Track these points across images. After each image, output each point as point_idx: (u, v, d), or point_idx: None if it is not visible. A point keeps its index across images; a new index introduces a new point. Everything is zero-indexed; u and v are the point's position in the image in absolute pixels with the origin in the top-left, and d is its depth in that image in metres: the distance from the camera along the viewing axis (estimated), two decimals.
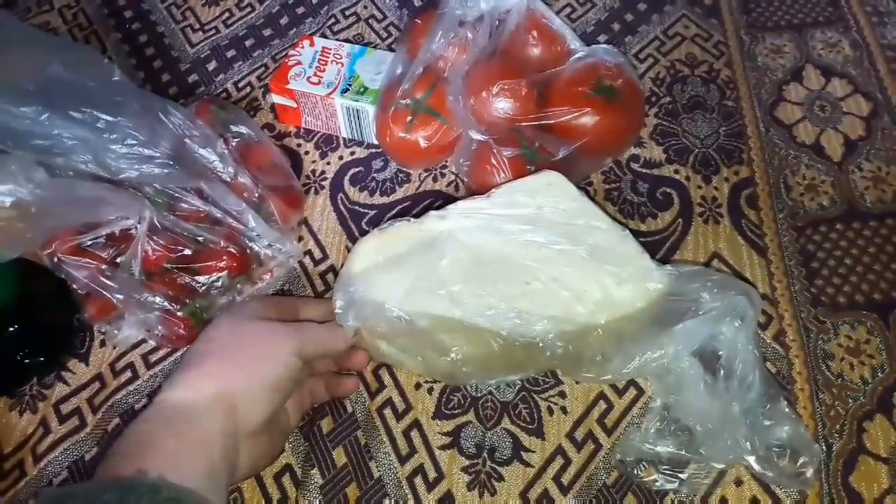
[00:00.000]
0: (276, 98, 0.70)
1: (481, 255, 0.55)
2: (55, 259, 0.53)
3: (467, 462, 0.53)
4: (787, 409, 0.52)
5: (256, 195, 0.58)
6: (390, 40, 0.79)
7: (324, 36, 0.79)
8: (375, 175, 0.69)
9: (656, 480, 0.51)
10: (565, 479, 0.52)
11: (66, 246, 0.53)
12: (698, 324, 0.51)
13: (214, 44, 0.80)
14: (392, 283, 0.54)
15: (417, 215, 0.58)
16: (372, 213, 0.66)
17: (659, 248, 0.62)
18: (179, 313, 0.55)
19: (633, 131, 0.67)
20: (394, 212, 0.66)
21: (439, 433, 0.54)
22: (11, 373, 0.57)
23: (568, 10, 0.80)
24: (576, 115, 0.61)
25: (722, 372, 0.51)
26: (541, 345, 0.52)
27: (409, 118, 0.64)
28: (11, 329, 0.55)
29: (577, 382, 0.56)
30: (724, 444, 0.49)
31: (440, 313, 0.53)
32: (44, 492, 0.52)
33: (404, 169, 0.69)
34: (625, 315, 0.53)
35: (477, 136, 0.62)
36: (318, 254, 0.64)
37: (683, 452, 0.51)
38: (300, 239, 0.65)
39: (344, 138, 0.71)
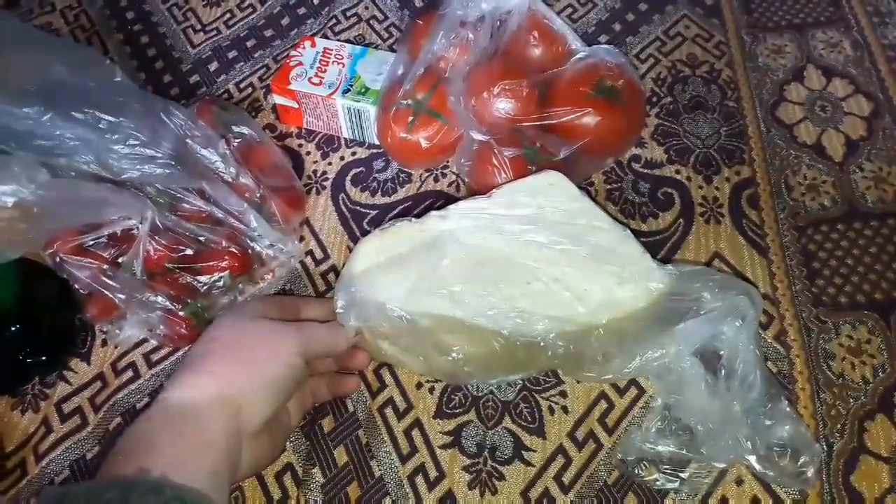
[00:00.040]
0: (277, 99, 0.70)
1: (482, 255, 0.55)
2: (57, 259, 0.53)
3: (468, 461, 0.53)
4: (788, 409, 0.52)
5: (258, 195, 0.58)
6: (391, 41, 0.79)
7: (325, 37, 0.79)
8: (377, 175, 0.69)
9: (657, 480, 0.51)
10: (566, 479, 0.52)
11: (67, 246, 0.53)
12: (699, 323, 0.51)
13: (216, 44, 0.80)
14: (393, 283, 0.54)
15: (419, 215, 0.58)
16: (373, 213, 0.66)
17: (660, 248, 0.62)
18: (181, 313, 0.56)
19: (634, 132, 0.67)
20: (395, 212, 0.66)
21: (440, 432, 0.55)
22: (13, 372, 0.57)
23: (569, 10, 0.80)
24: (577, 116, 0.61)
25: (723, 371, 0.51)
26: (542, 344, 0.52)
27: (410, 119, 0.64)
28: (13, 329, 0.55)
29: (578, 382, 0.56)
30: (725, 443, 0.49)
31: (441, 313, 0.53)
32: (46, 491, 0.52)
33: (405, 169, 0.69)
34: (626, 315, 0.53)
35: (478, 137, 0.62)
36: (319, 254, 0.64)
37: (684, 452, 0.51)
38: (301, 239, 0.65)
39: (345, 139, 0.72)
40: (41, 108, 0.47)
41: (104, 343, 0.60)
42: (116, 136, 0.49)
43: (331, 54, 0.70)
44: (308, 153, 0.71)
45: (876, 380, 0.55)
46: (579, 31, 0.77)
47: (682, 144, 0.69)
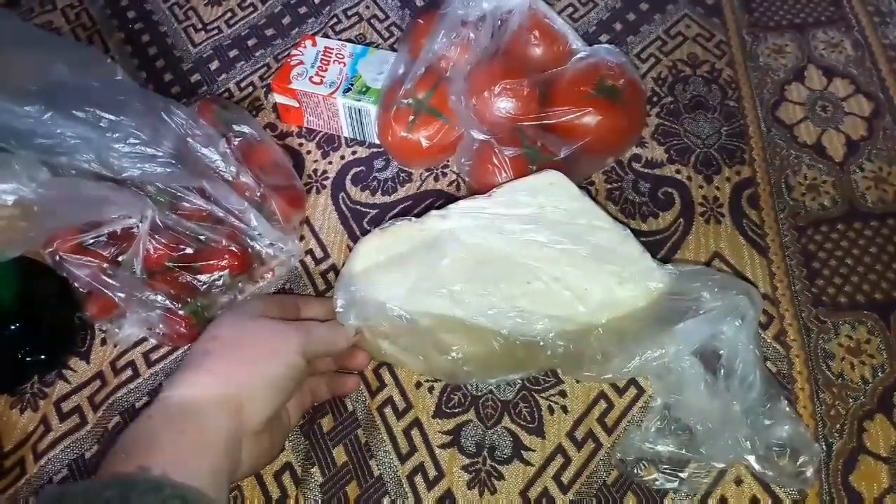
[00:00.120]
0: (278, 98, 0.70)
1: (482, 255, 0.55)
2: (57, 258, 0.53)
3: (467, 461, 0.53)
4: (787, 409, 0.52)
5: (258, 194, 0.58)
6: (392, 40, 0.79)
7: (326, 36, 0.79)
8: (377, 174, 0.69)
9: (656, 479, 0.51)
10: (565, 478, 0.52)
11: (67, 244, 0.53)
12: (699, 323, 0.51)
13: (217, 43, 0.80)
14: (393, 282, 0.54)
15: (419, 215, 0.58)
16: (373, 212, 0.66)
17: (660, 248, 0.62)
18: (181, 312, 0.56)
19: (634, 131, 0.67)
20: (395, 211, 0.66)
21: (440, 432, 0.55)
22: (12, 371, 0.57)
23: (570, 9, 0.80)
24: (578, 115, 0.61)
25: (722, 371, 0.51)
26: (542, 344, 0.52)
27: (410, 118, 0.64)
28: (13, 327, 0.55)
29: (577, 381, 0.56)
30: (724, 443, 0.49)
31: (441, 312, 0.53)
32: (45, 490, 0.52)
33: (406, 168, 0.69)
34: (626, 314, 0.53)
35: (479, 136, 0.62)
36: (319, 253, 0.64)
37: (684, 452, 0.51)
38: (301, 238, 0.65)
39: (346, 138, 0.72)
40: (42, 107, 0.47)
41: (103, 342, 0.60)
42: (117, 135, 0.49)
43: (332, 53, 0.70)
44: (308, 152, 0.71)
45: (875, 380, 0.55)
46: (580, 31, 0.77)
47: (682, 144, 0.69)
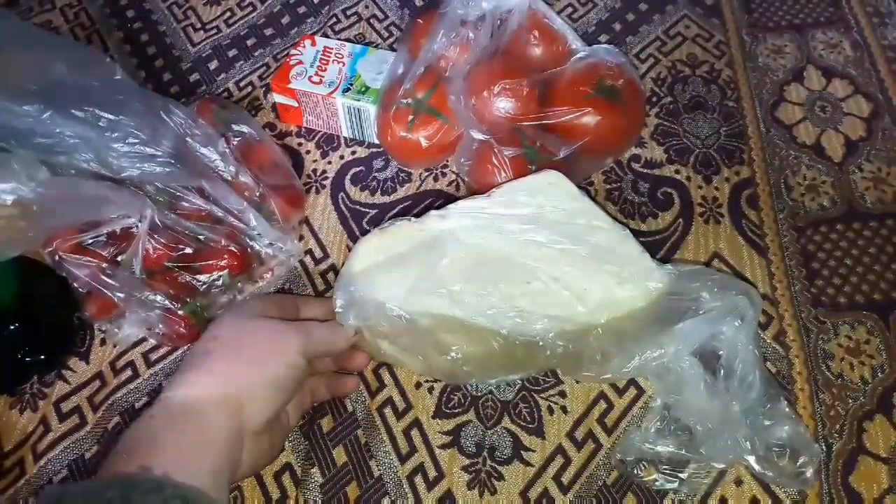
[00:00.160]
0: (277, 97, 0.70)
1: (482, 255, 0.55)
2: (56, 257, 0.53)
3: (467, 461, 0.53)
4: (787, 409, 0.52)
5: (257, 194, 0.58)
6: (391, 40, 0.79)
7: (325, 35, 0.79)
8: (376, 174, 0.69)
9: (656, 480, 0.51)
10: (565, 479, 0.52)
11: (67, 244, 0.53)
12: (699, 323, 0.51)
13: (216, 43, 0.80)
14: (393, 282, 0.54)
15: (418, 215, 0.58)
16: (373, 212, 0.66)
17: (659, 248, 0.62)
18: (180, 312, 0.55)
19: (634, 131, 0.67)
20: (394, 211, 0.66)
21: (439, 432, 0.54)
22: (12, 371, 0.57)
23: (569, 9, 0.80)
24: (577, 115, 0.61)
25: (722, 371, 0.51)
26: (541, 344, 0.52)
27: (410, 118, 0.64)
28: (12, 327, 0.55)
29: (577, 382, 0.56)
30: (724, 443, 0.49)
31: (441, 312, 0.53)
32: (45, 490, 0.52)
33: (405, 168, 0.69)
34: (625, 314, 0.53)
35: (478, 136, 0.62)
36: (318, 253, 0.64)
37: (683, 452, 0.51)
38: (301, 238, 0.65)
39: (345, 138, 0.72)
40: (41, 106, 0.47)
41: (103, 342, 0.60)
42: (116, 135, 0.49)
43: (331, 53, 0.70)
44: (308, 152, 0.71)
45: (875, 380, 0.55)
46: (579, 31, 0.77)
47: (681, 144, 0.69)
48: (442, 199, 0.66)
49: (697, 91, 0.73)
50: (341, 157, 0.70)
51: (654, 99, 0.72)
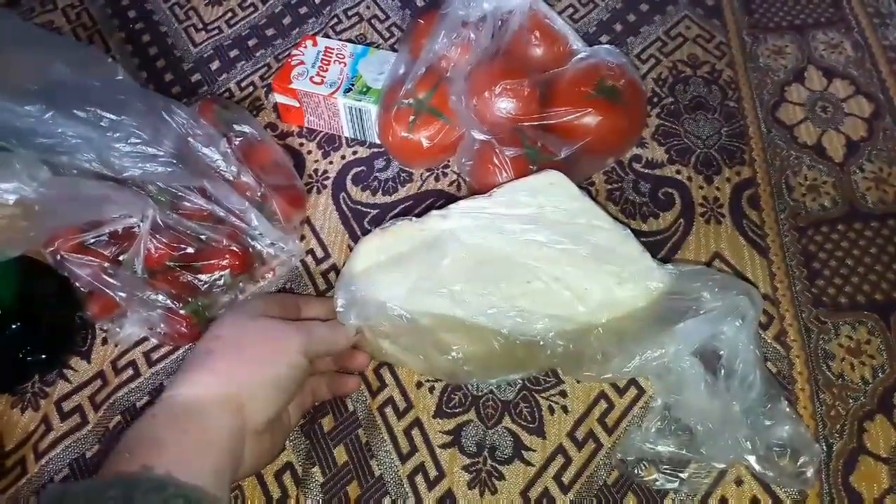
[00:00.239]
0: (278, 98, 0.70)
1: (483, 255, 0.55)
2: (58, 257, 0.53)
3: (468, 461, 0.53)
4: (787, 409, 0.52)
5: (259, 194, 0.59)
6: (393, 40, 0.79)
7: (326, 36, 0.79)
8: (378, 174, 0.69)
9: (657, 480, 0.51)
10: (566, 478, 0.52)
11: (68, 244, 0.53)
12: (699, 323, 0.51)
13: (217, 43, 0.80)
14: (394, 282, 0.54)
15: (419, 215, 0.58)
16: (374, 212, 0.66)
17: (660, 248, 0.62)
18: (182, 311, 0.56)
19: (635, 132, 0.68)
20: (396, 211, 0.66)
21: (440, 432, 0.55)
22: (13, 370, 0.57)
23: (570, 10, 0.80)
24: (578, 116, 0.61)
25: (723, 371, 0.51)
26: (542, 343, 0.52)
27: (411, 118, 0.64)
28: (14, 327, 0.55)
29: (577, 382, 0.56)
30: (724, 443, 0.49)
31: (441, 312, 0.53)
32: (47, 489, 0.52)
33: (406, 168, 0.69)
34: (626, 314, 0.53)
35: (479, 136, 0.62)
36: (320, 253, 0.64)
37: (684, 452, 0.51)
38: (302, 238, 0.65)
39: (346, 138, 0.72)
40: (43, 107, 0.47)
41: (104, 341, 0.60)
42: (118, 135, 0.49)
43: (332, 53, 0.70)
44: (309, 152, 0.71)
45: (875, 380, 0.55)
46: (580, 32, 0.77)
47: (682, 145, 0.69)
48: (443, 199, 0.66)
49: (698, 91, 0.73)
50: (342, 158, 0.70)
51: (655, 99, 0.72)
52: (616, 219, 0.57)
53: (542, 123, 0.61)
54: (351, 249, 0.60)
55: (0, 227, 0.47)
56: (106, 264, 0.54)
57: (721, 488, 0.51)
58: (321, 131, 0.72)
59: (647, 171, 0.67)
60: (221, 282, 0.57)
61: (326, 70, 0.69)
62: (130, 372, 0.58)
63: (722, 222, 0.64)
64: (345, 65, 0.69)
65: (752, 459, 0.50)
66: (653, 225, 0.64)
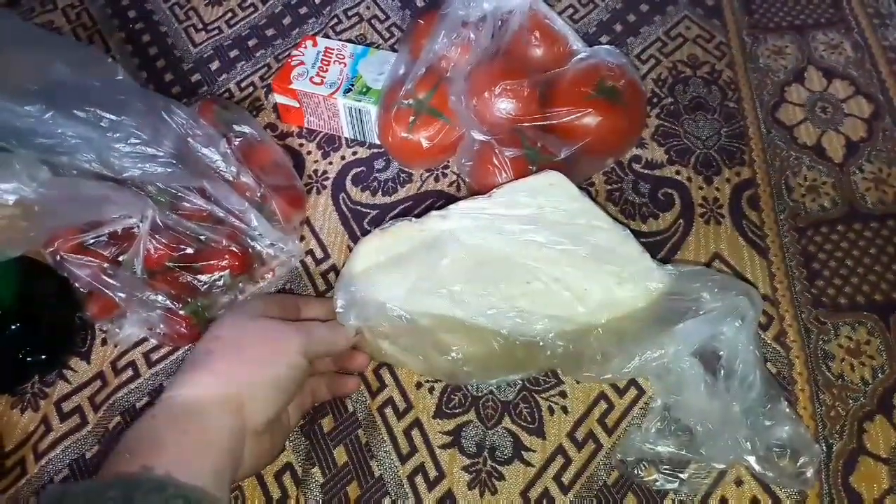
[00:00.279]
0: (278, 98, 0.70)
1: (482, 255, 0.55)
2: (57, 257, 0.53)
3: (468, 461, 0.53)
4: (787, 410, 0.52)
5: (259, 194, 0.59)
6: (393, 41, 0.79)
7: (326, 36, 0.79)
8: (377, 175, 0.69)
9: (657, 480, 0.51)
10: (566, 479, 0.52)
11: (68, 244, 0.53)
12: (699, 324, 0.51)
13: (217, 44, 0.80)
14: (393, 282, 0.54)
15: (419, 215, 0.58)
16: (374, 212, 0.66)
17: (660, 249, 0.62)
18: (181, 312, 0.56)
19: (634, 132, 0.68)
20: (395, 212, 0.66)
21: (440, 432, 0.55)
22: (13, 371, 0.57)
23: (570, 10, 0.80)
24: (578, 116, 0.61)
25: (722, 372, 0.51)
26: (541, 344, 0.52)
27: (411, 118, 0.64)
28: (13, 327, 0.55)
29: (577, 382, 0.56)
30: (724, 444, 0.49)
31: (441, 313, 0.53)
32: (46, 489, 0.52)
33: (406, 169, 0.69)
34: (625, 314, 0.54)
35: (479, 137, 0.62)
36: (319, 253, 0.64)
37: (684, 452, 0.51)
38: (302, 238, 0.65)
39: (346, 138, 0.72)
40: (42, 107, 0.47)
41: (104, 342, 0.60)
42: (118, 135, 0.49)
43: (332, 54, 0.70)
44: (309, 152, 0.71)
45: (875, 381, 0.55)
46: (580, 32, 0.77)
47: (682, 145, 0.69)
48: (443, 200, 0.66)
49: (698, 92, 0.73)
50: (342, 158, 0.70)
51: (655, 100, 0.72)
52: (616, 219, 0.57)
53: (541, 124, 0.61)
54: (350, 250, 0.60)
55: (0, 228, 0.47)
56: (105, 265, 0.54)
57: (721, 489, 0.51)
58: (321, 132, 0.72)
59: (646, 171, 0.67)
60: (221, 282, 0.57)
61: (326, 70, 0.69)
62: (130, 372, 0.58)
63: (721, 223, 0.64)
64: (345, 65, 0.69)
65: (751, 460, 0.50)
66: (652, 225, 0.64)
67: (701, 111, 0.71)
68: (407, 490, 0.52)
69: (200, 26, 0.82)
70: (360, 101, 0.66)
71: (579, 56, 0.64)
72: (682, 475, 0.51)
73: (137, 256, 0.54)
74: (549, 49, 0.65)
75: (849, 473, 0.51)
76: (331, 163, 0.70)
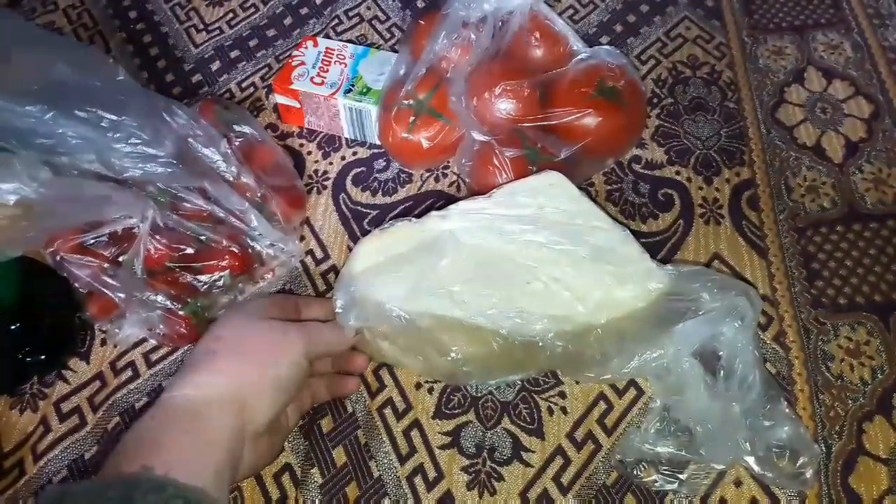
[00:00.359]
0: (279, 98, 0.70)
1: (482, 256, 0.55)
2: (58, 257, 0.53)
3: (467, 462, 0.53)
4: (786, 410, 0.52)
5: (259, 195, 0.59)
6: (393, 41, 0.79)
7: (327, 37, 0.79)
8: (377, 175, 0.69)
9: (656, 481, 0.51)
10: (565, 479, 0.52)
11: (68, 244, 0.53)
12: (698, 324, 0.51)
13: (218, 44, 0.80)
14: (393, 282, 0.54)
15: (419, 216, 0.58)
16: (374, 213, 0.66)
17: (660, 249, 0.62)
18: (181, 312, 0.56)
19: (634, 132, 0.68)
20: (395, 212, 0.66)
21: (439, 433, 0.55)
22: (12, 371, 0.57)
23: (570, 11, 0.80)
24: (578, 117, 0.61)
25: (722, 372, 0.51)
26: (541, 344, 0.52)
27: (411, 119, 0.64)
28: (13, 327, 0.55)
29: (577, 383, 0.56)
30: (723, 444, 0.49)
31: (441, 313, 0.53)
32: (46, 489, 0.52)
33: (406, 169, 0.69)
34: (625, 315, 0.54)
35: (479, 137, 0.62)
36: (319, 253, 0.64)
37: (683, 453, 0.51)
38: (302, 238, 0.65)
39: (346, 139, 0.72)
40: (43, 107, 0.47)
41: (103, 342, 0.60)
42: (118, 135, 0.49)
43: (333, 54, 0.70)
44: (309, 153, 0.71)
45: (875, 381, 0.55)
46: (580, 33, 0.77)
47: (682, 145, 0.69)
48: (443, 200, 0.67)
49: (698, 92, 0.73)
50: (342, 158, 0.70)
51: (655, 100, 0.72)
52: (615, 220, 0.57)
53: (542, 124, 0.61)
54: (350, 250, 0.60)
55: (0, 228, 0.47)
56: (105, 265, 0.54)
57: (720, 489, 0.51)
58: (321, 132, 0.72)
59: (646, 171, 0.67)
60: (221, 283, 0.57)
61: (327, 71, 0.69)
62: (129, 373, 0.58)
63: (721, 223, 0.64)
64: (345, 65, 0.69)
65: (751, 460, 0.50)
66: (652, 226, 0.64)
67: (701, 112, 0.71)
68: (406, 491, 0.52)
69: (201, 27, 0.82)
70: (360, 101, 0.66)
71: (579, 57, 0.64)
72: (681, 476, 0.51)
73: (137, 257, 0.54)
74: (549, 50, 0.65)
75: (848, 474, 0.51)
76: (331, 163, 0.70)
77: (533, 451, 0.54)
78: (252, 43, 0.80)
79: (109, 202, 0.52)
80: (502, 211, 0.56)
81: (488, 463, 0.53)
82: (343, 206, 0.67)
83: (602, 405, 0.55)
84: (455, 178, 0.68)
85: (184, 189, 0.54)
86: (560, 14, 0.73)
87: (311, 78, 0.68)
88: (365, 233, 0.64)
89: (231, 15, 0.83)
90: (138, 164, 0.50)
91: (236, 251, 0.57)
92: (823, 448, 0.52)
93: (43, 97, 0.47)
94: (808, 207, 0.64)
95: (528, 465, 0.53)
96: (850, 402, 0.54)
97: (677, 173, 0.67)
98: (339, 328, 0.53)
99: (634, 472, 0.52)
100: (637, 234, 0.58)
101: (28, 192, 0.45)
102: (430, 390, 0.56)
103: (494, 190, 0.58)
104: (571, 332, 0.52)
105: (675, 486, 0.51)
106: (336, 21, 0.81)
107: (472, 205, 0.57)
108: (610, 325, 0.53)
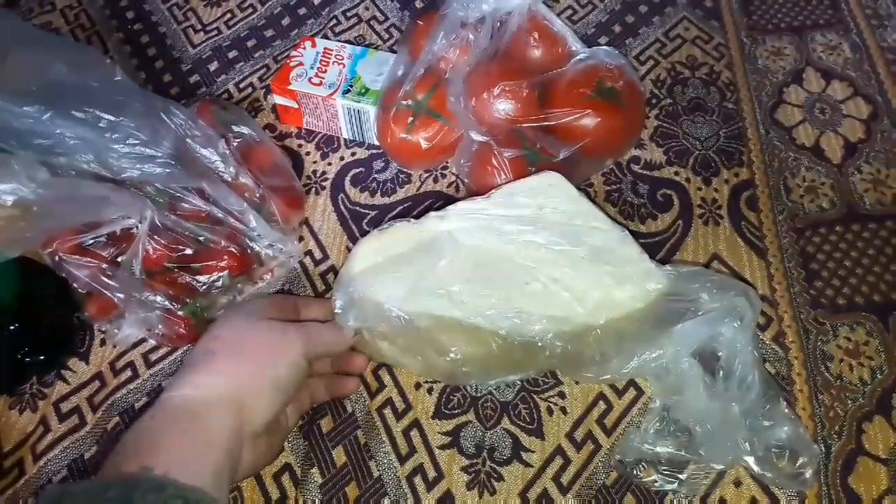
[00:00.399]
0: (277, 99, 0.70)
1: (481, 256, 0.55)
2: (56, 258, 0.53)
3: (467, 462, 0.53)
4: (786, 410, 0.52)
5: (257, 195, 0.58)
6: (392, 42, 0.79)
7: (325, 37, 0.79)
8: (376, 176, 0.69)
9: (655, 481, 0.51)
10: (565, 479, 0.52)
11: (67, 245, 0.53)
12: (698, 324, 0.51)
13: (216, 44, 0.80)
14: (392, 283, 0.54)
15: (418, 216, 0.58)
16: (372, 213, 0.66)
17: (659, 250, 0.62)
18: (180, 312, 0.56)
19: (633, 133, 0.68)
20: (394, 212, 0.66)
21: (439, 433, 0.55)
22: (12, 371, 0.57)
23: (569, 11, 0.80)
24: (577, 117, 0.61)
25: (721, 373, 0.51)
26: (540, 344, 0.52)
27: (410, 119, 0.64)
28: (12, 328, 0.55)
29: (576, 383, 0.56)
30: (723, 444, 0.49)
31: (440, 313, 0.53)
32: (45, 489, 0.52)
33: (405, 170, 0.69)
34: (624, 315, 0.54)
35: (478, 138, 0.62)
36: (318, 254, 0.64)
37: (683, 453, 0.51)
38: (301, 239, 0.65)
39: (345, 139, 0.72)
40: (41, 107, 0.47)
41: (103, 342, 0.60)
42: (116, 136, 0.49)
43: (331, 55, 0.70)
44: (308, 153, 0.71)
45: (874, 381, 0.55)
46: (579, 33, 0.77)
47: (681, 146, 0.69)
48: (441, 201, 0.66)
49: (697, 93, 0.73)
50: (341, 159, 0.70)
51: (654, 101, 0.72)
52: (614, 220, 0.57)
53: (540, 125, 0.61)
54: (349, 251, 0.60)
55: None
56: (104, 265, 0.54)
57: (720, 489, 0.51)
58: (320, 132, 0.72)
59: (645, 172, 0.67)
60: (220, 283, 0.57)
61: (325, 71, 0.69)
62: (129, 373, 0.58)
63: (720, 224, 0.64)
64: (343, 66, 0.69)
65: (750, 460, 0.50)
66: (651, 226, 0.64)
67: (700, 112, 0.71)
68: (406, 490, 0.52)
69: (199, 27, 0.82)
70: (358, 101, 0.66)
71: (578, 57, 0.64)
72: (680, 476, 0.51)
73: (136, 257, 0.54)
74: (547, 50, 0.65)
75: (847, 474, 0.51)
76: (329, 163, 0.70)
77: (533, 451, 0.53)
78: (250, 43, 0.80)
79: (108, 202, 0.51)
80: (501, 211, 0.56)
81: (488, 463, 0.53)
82: (342, 207, 0.67)
83: (601, 405, 0.55)
84: (454, 178, 0.68)
85: (182, 189, 0.54)
86: (559, 14, 0.73)
87: (310, 78, 0.68)
88: (364, 233, 0.64)
89: (229, 15, 0.83)
90: (136, 164, 0.50)
91: (235, 252, 0.57)
92: (823, 448, 0.52)
93: (41, 97, 0.47)
94: (807, 208, 0.64)
95: (527, 465, 0.53)
96: (849, 402, 0.54)
97: (676, 174, 0.67)
98: (338, 328, 0.52)
99: (634, 472, 0.51)
100: (636, 235, 0.58)
101: (26, 192, 0.45)
102: (430, 390, 0.56)
103: (493, 190, 0.58)
104: (570, 333, 0.52)
105: (675, 486, 0.51)
106: (334, 21, 0.81)
107: (470, 205, 0.57)
108: (609, 325, 0.53)
